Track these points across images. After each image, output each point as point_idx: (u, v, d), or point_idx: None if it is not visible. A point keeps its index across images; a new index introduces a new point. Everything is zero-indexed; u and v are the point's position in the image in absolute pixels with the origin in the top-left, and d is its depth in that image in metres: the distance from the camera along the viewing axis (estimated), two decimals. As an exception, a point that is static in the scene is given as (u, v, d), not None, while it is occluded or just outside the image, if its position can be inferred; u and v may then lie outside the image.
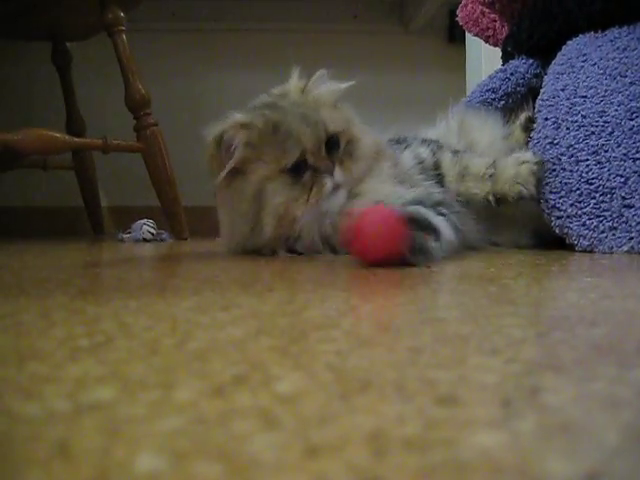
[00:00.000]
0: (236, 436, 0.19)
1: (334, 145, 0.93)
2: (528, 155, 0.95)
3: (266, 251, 0.92)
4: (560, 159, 0.94)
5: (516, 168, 0.93)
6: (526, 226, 1.04)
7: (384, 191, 0.91)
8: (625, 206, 0.89)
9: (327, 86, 0.98)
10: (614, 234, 0.89)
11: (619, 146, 0.91)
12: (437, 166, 0.98)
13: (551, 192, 0.93)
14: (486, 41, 1.49)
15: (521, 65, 1.19)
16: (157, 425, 0.19)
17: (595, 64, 0.98)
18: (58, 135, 1.63)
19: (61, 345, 0.31)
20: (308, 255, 0.89)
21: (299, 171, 0.90)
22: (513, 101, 1.18)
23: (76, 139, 1.76)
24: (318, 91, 0.97)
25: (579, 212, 0.91)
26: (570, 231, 0.91)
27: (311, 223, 0.90)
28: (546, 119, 0.98)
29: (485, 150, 1.05)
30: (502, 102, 1.18)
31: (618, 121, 0.92)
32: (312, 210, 0.89)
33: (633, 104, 0.92)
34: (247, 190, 0.90)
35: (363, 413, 0.21)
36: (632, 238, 0.87)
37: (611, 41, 1.00)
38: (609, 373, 0.25)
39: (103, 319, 0.39)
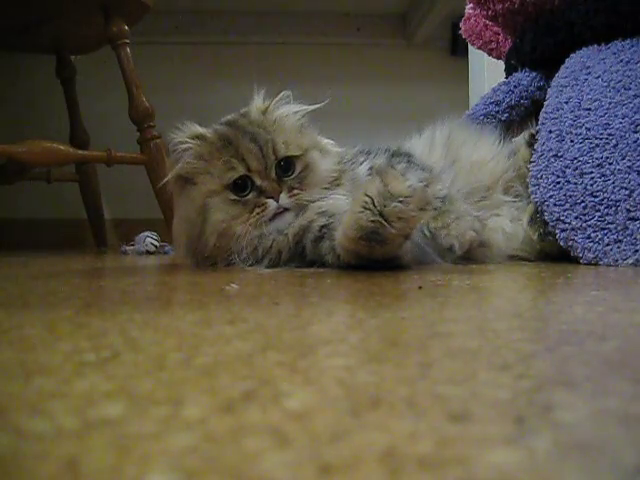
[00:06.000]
0: (248, 454, 0.18)
1: (286, 169, 0.94)
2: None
3: (208, 262, 0.95)
4: (564, 172, 0.94)
5: None
6: None
7: (328, 202, 0.92)
8: (630, 219, 0.88)
9: (290, 108, 0.98)
10: (619, 247, 0.88)
11: (623, 159, 0.91)
12: None
13: (555, 205, 0.93)
14: (489, 54, 1.49)
15: (524, 78, 1.19)
16: (167, 442, 0.19)
17: (599, 77, 0.98)
18: (62, 147, 1.64)
19: (67, 360, 0.31)
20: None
21: (244, 190, 0.92)
22: (517, 114, 1.18)
23: (80, 151, 1.77)
24: (279, 112, 0.97)
25: (584, 225, 0.90)
26: (575, 244, 0.91)
27: (253, 242, 0.91)
28: (550, 132, 0.98)
29: (478, 167, 1.03)
30: (506, 115, 1.18)
31: (622, 134, 0.92)
32: (254, 231, 0.90)
33: (637, 117, 0.92)
34: (195, 200, 0.94)
35: (375, 430, 0.20)
36: (637, 251, 0.87)
37: (615, 54, 1.00)
38: (622, 389, 0.25)
39: (109, 333, 0.38)
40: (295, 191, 0.92)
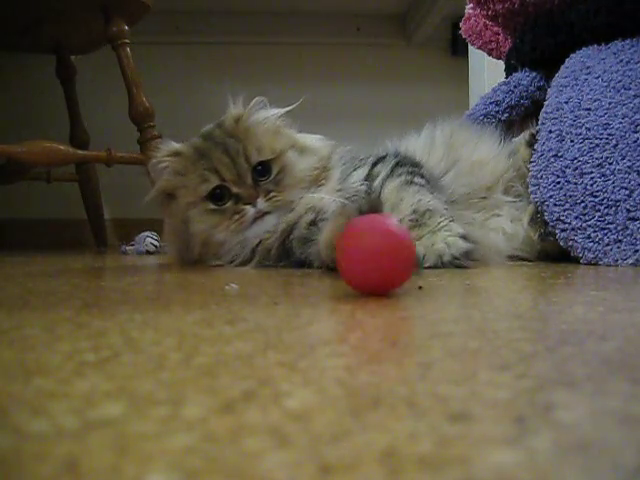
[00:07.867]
0: (248, 454, 0.18)
1: (262, 173, 0.96)
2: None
3: (195, 263, 0.98)
4: (564, 172, 0.94)
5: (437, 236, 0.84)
6: None
7: (315, 199, 0.94)
8: (630, 219, 0.88)
9: (264, 113, 1.00)
10: (619, 247, 0.88)
11: (623, 159, 0.91)
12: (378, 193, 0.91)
13: (555, 205, 0.93)
14: (489, 54, 1.49)
15: (524, 78, 1.19)
16: (167, 442, 0.19)
17: (599, 77, 0.98)
18: (62, 147, 1.64)
19: (67, 360, 0.31)
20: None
21: (222, 199, 0.95)
22: (517, 114, 1.18)
23: (80, 151, 1.77)
24: (253, 119, 0.99)
25: (584, 225, 0.90)
26: (575, 244, 0.91)
27: (236, 247, 0.94)
28: (550, 132, 0.98)
29: (478, 166, 1.03)
30: (506, 115, 1.18)
31: (622, 134, 0.92)
32: (235, 237, 0.94)
33: (637, 117, 0.92)
34: (178, 214, 0.98)
35: (375, 430, 0.20)
36: (637, 251, 0.87)
37: (615, 54, 1.00)
38: (623, 389, 0.25)
39: (109, 333, 0.38)
40: (272, 194, 0.94)
